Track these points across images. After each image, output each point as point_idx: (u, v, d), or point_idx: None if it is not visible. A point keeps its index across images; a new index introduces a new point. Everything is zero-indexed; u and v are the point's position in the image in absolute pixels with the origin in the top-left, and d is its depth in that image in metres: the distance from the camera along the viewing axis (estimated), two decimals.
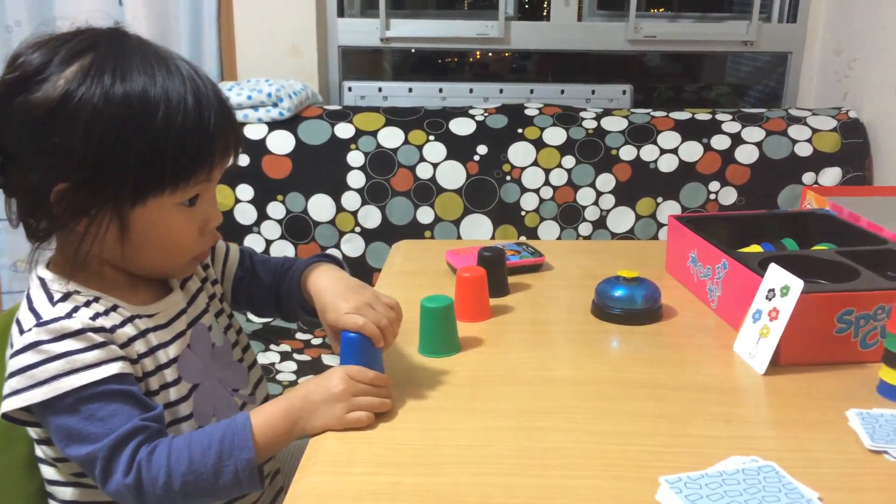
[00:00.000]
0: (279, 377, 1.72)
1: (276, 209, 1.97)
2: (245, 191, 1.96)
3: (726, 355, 0.97)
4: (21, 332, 0.78)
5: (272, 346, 1.86)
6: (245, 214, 1.96)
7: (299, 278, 0.97)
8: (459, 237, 1.99)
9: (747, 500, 0.67)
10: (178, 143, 0.77)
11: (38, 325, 0.77)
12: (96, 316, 0.80)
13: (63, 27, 0.81)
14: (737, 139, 1.99)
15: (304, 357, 1.83)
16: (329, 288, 0.90)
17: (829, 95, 2.20)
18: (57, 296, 0.80)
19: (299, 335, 1.94)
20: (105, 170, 0.76)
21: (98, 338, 0.78)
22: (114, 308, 0.82)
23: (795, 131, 1.99)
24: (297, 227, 1.98)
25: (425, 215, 1.98)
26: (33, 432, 0.84)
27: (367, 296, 0.88)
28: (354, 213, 1.98)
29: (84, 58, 0.76)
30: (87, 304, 0.81)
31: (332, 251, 1.98)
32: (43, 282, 0.82)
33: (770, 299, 0.93)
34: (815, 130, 1.99)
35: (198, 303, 0.93)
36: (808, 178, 1.97)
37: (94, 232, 0.79)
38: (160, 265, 0.86)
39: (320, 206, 1.97)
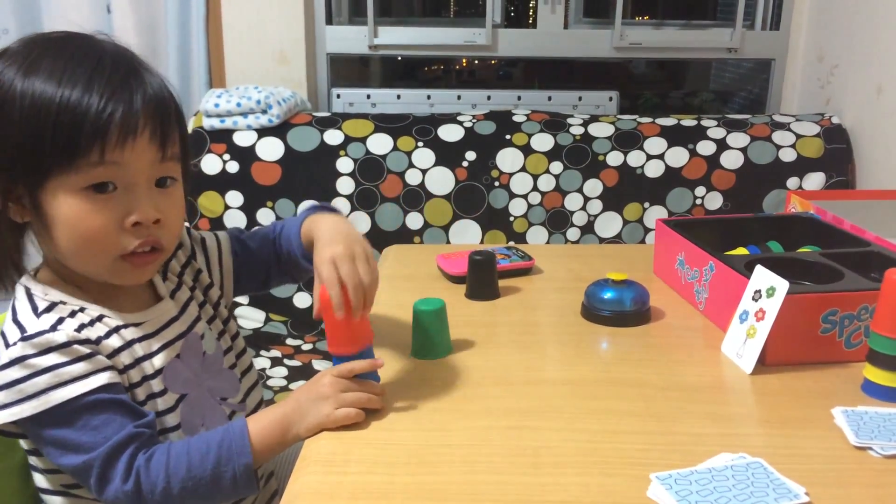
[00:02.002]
0: (270, 382, 1.72)
1: (265, 215, 1.97)
2: (234, 197, 1.96)
3: (714, 356, 0.99)
4: (6, 345, 0.78)
5: (262, 352, 1.86)
6: (235, 221, 1.97)
7: (298, 229, 0.97)
8: (448, 242, 2.00)
9: (736, 496, 0.69)
10: (58, 119, 0.76)
11: (23, 339, 0.77)
12: (81, 327, 0.80)
13: None
14: (722, 145, 2.01)
15: (295, 362, 1.83)
16: (325, 230, 0.90)
17: (812, 101, 2.24)
18: (41, 306, 0.80)
19: (290, 341, 1.94)
20: (2, 152, 0.77)
21: (84, 349, 0.78)
22: (99, 318, 0.82)
23: (779, 137, 2.02)
24: None
25: (414, 221, 1.99)
26: (24, 443, 0.84)
27: (354, 248, 0.86)
28: None
29: (13, 53, 0.79)
30: (73, 314, 0.80)
31: None
32: (28, 291, 0.82)
33: (756, 300, 0.95)
34: (798, 136, 2.02)
35: (189, 311, 0.93)
36: (792, 182, 1.99)
37: (22, 219, 0.80)
38: (87, 263, 0.82)
39: None
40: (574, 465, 0.75)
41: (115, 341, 0.82)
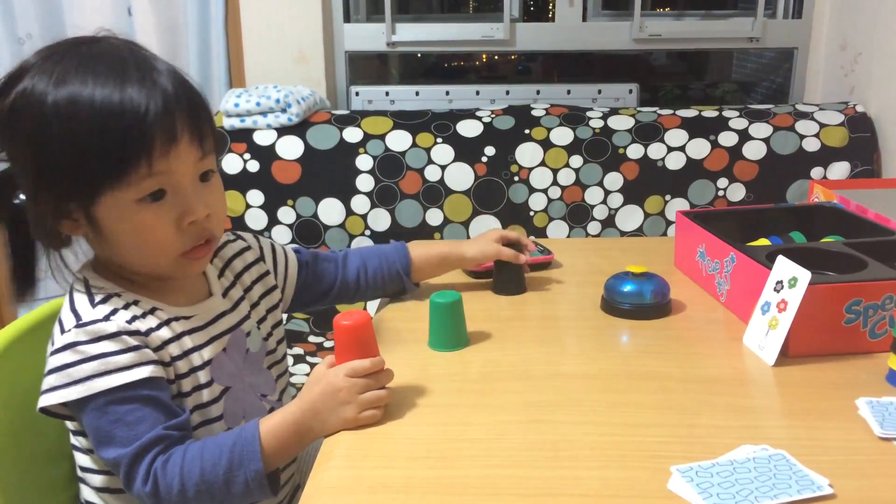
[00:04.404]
0: (293, 380, 1.73)
1: (286, 214, 1.98)
2: (255, 196, 1.98)
3: (736, 348, 0.98)
4: (62, 331, 0.81)
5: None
6: (256, 219, 1.98)
7: (406, 255, 1.14)
8: (469, 238, 2.00)
9: (758, 488, 0.68)
10: (102, 137, 0.76)
11: (78, 326, 0.80)
12: (133, 319, 0.82)
13: None
14: (744, 135, 1.99)
15: (317, 360, 1.84)
16: (460, 243, 1.18)
17: (836, 90, 2.20)
18: (98, 297, 0.83)
19: (312, 338, 1.95)
20: (45, 172, 0.78)
21: (132, 341, 0.81)
22: (152, 311, 0.85)
23: (803, 126, 1.99)
24: (307, 232, 1.99)
25: (434, 217, 1.99)
26: (70, 424, 0.87)
27: (487, 233, 1.17)
28: (364, 217, 1.99)
29: (36, 67, 0.79)
30: (126, 306, 0.83)
31: None
32: (86, 282, 0.85)
33: (778, 291, 0.94)
34: (822, 125, 1.99)
35: (239, 309, 0.95)
36: (816, 172, 1.97)
37: (77, 233, 0.83)
38: (149, 264, 0.85)
39: (330, 210, 1.99)
40: (594, 459, 0.74)
41: (165, 333, 0.84)
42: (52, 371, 0.80)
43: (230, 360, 0.91)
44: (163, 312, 0.86)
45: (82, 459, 0.89)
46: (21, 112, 0.78)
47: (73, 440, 0.88)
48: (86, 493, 0.90)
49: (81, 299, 0.84)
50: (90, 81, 0.77)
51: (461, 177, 1.99)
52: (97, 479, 0.88)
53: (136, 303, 0.84)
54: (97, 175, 0.78)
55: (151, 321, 0.84)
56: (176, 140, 0.80)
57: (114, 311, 0.82)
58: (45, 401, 0.80)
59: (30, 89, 0.77)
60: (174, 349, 0.85)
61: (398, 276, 1.13)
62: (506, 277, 1.17)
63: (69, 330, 0.80)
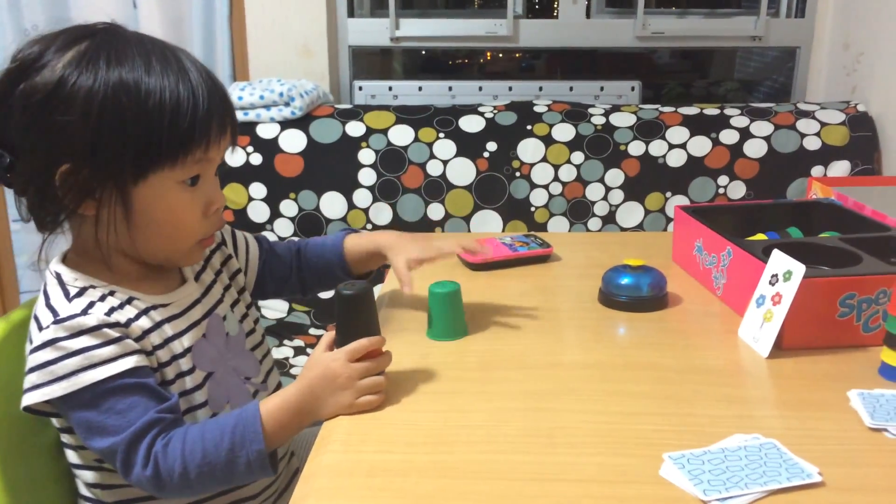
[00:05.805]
0: (293, 371, 1.74)
1: (288, 207, 2.00)
2: (258, 189, 1.99)
3: (731, 340, 0.99)
4: (39, 328, 0.81)
5: (286, 342, 1.88)
6: (258, 212, 1.99)
7: (341, 246, 1.10)
8: (469, 233, 2.01)
9: (748, 475, 0.69)
10: (172, 118, 0.79)
11: (56, 322, 0.80)
12: (111, 311, 0.82)
13: None
14: (745, 133, 1.99)
15: None
16: (397, 237, 1.08)
17: (838, 89, 2.21)
18: (73, 291, 0.83)
19: (312, 330, 1.96)
20: (103, 145, 0.78)
21: (113, 333, 0.81)
22: (129, 301, 0.85)
23: (804, 125, 2.00)
24: (309, 225, 2.00)
25: (436, 212, 2.01)
26: (56, 421, 0.87)
27: (427, 238, 1.07)
28: (366, 211, 2.00)
29: (80, 44, 0.79)
30: (103, 298, 0.83)
31: None
32: (59, 276, 0.85)
33: (773, 284, 0.95)
34: (823, 124, 2.00)
35: (212, 293, 0.96)
36: (816, 171, 1.97)
37: (101, 215, 0.81)
38: (168, 249, 0.87)
39: (332, 204, 2.00)
40: (590, 446, 0.76)
41: (144, 322, 0.85)
42: (33, 369, 0.79)
43: (211, 345, 0.92)
44: (140, 302, 0.86)
45: (72, 456, 0.89)
46: (76, 86, 0.77)
47: (63, 437, 0.88)
48: (80, 487, 0.91)
49: (56, 294, 0.83)
50: (157, 65, 0.80)
51: (463, 172, 2.00)
52: (88, 476, 0.88)
53: (111, 294, 0.84)
54: (159, 152, 0.80)
55: (130, 311, 0.84)
56: (225, 130, 0.85)
57: (91, 304, 0.82)
58: (29, 399, 0.79)
59: (84, 66, 0.77)
60: (155, 338, 0.85)
61: (332, 271, 1.11)
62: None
63: (47, 326, 0.80)
